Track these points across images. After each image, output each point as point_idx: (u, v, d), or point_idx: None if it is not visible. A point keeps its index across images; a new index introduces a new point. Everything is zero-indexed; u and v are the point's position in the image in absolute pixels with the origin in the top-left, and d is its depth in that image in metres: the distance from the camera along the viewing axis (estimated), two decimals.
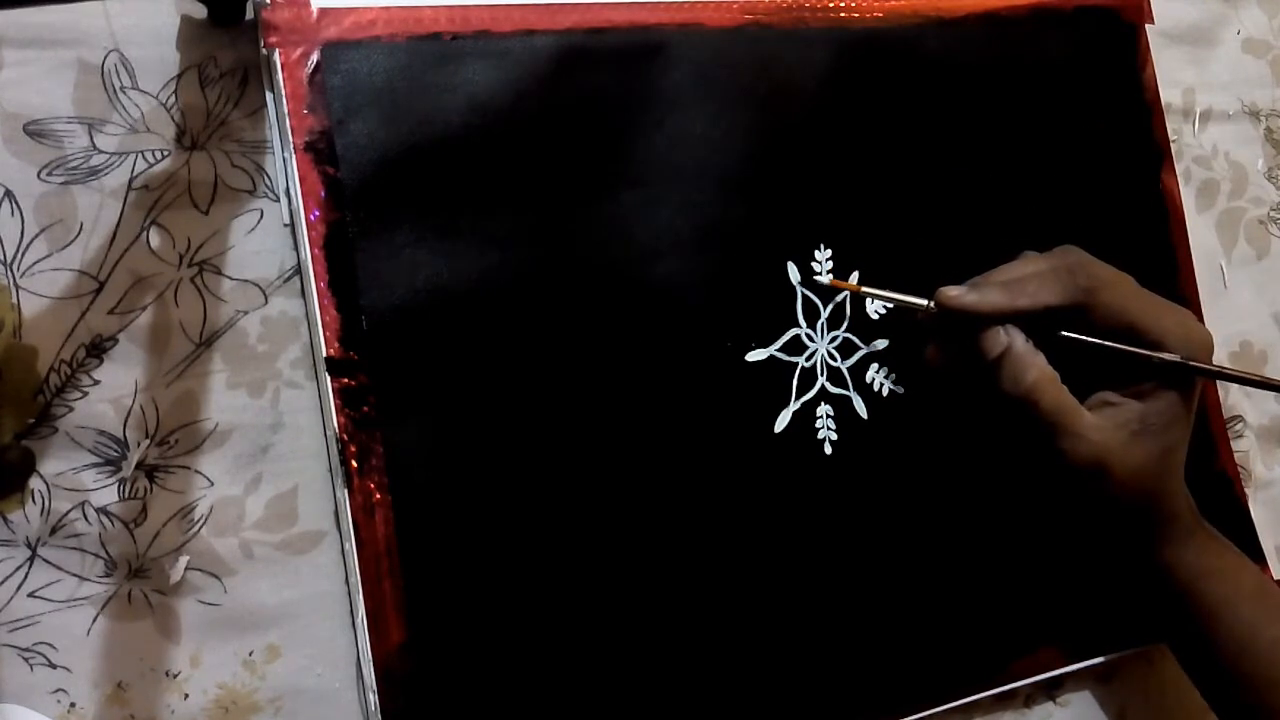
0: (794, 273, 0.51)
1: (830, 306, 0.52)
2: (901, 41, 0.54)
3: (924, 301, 0.50)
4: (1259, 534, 0.61)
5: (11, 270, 0.42)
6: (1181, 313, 0.50)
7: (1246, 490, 0.63)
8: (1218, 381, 0.61)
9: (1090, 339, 0.49)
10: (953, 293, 0.49)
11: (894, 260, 0.52)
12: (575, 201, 0.47)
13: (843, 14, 0.53)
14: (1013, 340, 0.48)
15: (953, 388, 0.51)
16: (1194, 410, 0.50)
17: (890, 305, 0.52)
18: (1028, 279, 0.49)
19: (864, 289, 0.51)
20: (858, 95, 0.53)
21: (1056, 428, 0.47)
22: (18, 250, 0.42)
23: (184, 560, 0.43)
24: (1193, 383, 0.49)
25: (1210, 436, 0.61)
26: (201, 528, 0.43)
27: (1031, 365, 0.48)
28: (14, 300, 0.41)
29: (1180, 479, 0.51)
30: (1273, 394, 0.65)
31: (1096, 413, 0.48)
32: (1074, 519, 0.52)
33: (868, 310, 0.52)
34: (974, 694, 0.53)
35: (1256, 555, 0.61)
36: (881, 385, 0.53)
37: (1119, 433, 0.48)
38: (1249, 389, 0.65)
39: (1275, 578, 0.61)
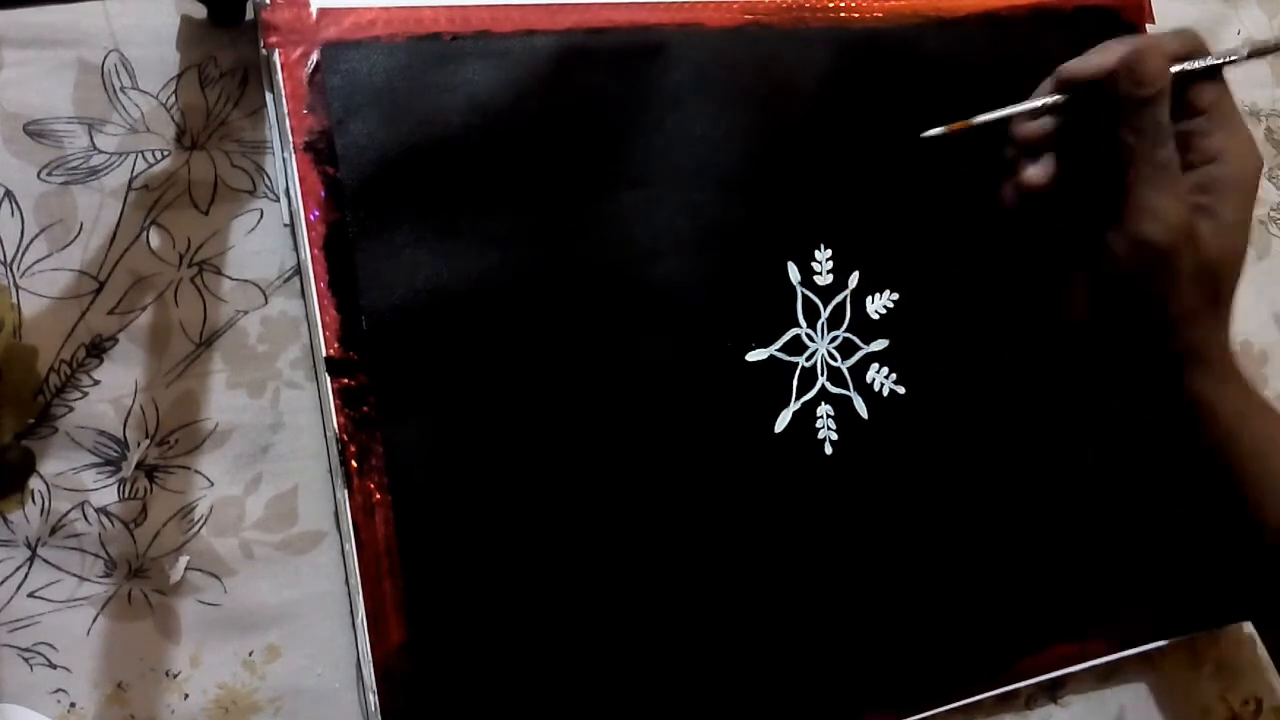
0: (794, 273, 0.51)
1: (830, 307, 0.52)
2: (901, 41, 0.54)
3: (1050, 99, 0.50)
4: None
5: (11, 270, 0.42)
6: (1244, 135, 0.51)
7: None
8: None
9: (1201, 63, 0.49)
10: (1074, 63, 0.50)
11: (894, 260, 0.52)
12: (575, 201, 0.47)
13: (843, 14, 0.52)
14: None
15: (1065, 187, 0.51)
16: (1248, 227, 0.50)
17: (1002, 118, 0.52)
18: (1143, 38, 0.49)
19: (976, 120, 0.51)
20: (858, 95, 0.53)
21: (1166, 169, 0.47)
22: (18, 250, 0.42)
23: (184, 560, 0.43)
24: (1251, 191, 0.50)
25: None
26: (201, 528, 0.44)
27: (1168, 95, 0.47)
28: (14, 300, 0.42)
29: (1228, 317, 0.51)
30: (1272, 394, 0.65)
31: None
32: (1138, 294, 0.50)
33: (868, 310, 0.52)
34: (977, 694, 0.53)
35: None
36: (882, 385, 0.52)
37: (1188, 201, 0.48)
38: None
39: None
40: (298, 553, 0.45)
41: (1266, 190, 0.67)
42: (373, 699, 0.43)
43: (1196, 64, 0.49)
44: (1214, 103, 0.49)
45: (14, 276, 0.42)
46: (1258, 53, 0.50)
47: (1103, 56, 0.49)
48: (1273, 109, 0.68)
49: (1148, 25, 0.61)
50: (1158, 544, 0.57)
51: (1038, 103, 0.51)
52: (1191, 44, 0.49)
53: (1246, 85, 0.67)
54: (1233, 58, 0.49)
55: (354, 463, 0.43)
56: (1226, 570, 0.55)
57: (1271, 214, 0.67)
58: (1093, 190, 0.49)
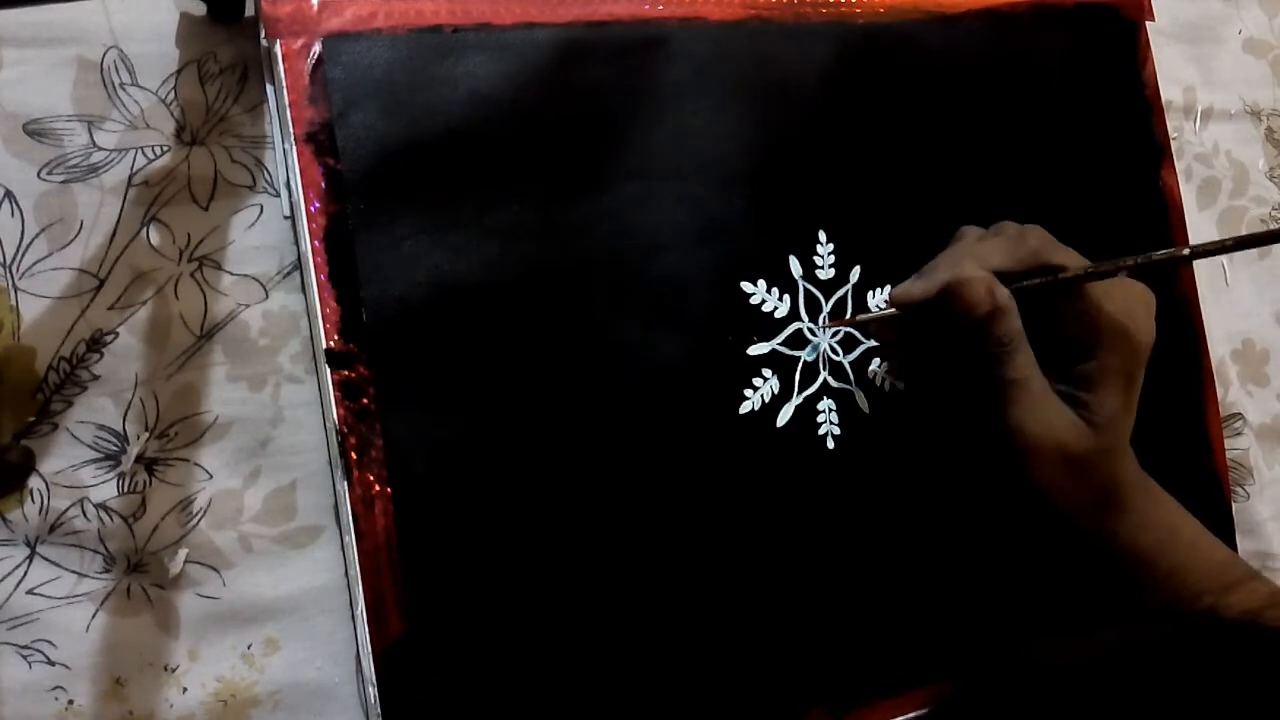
0: (796, 266, 0.51)
1: (832, 301, 0.51)
2: (902, 37, 0.54)
3: (891, 310, 0.49)
4: (1265, 534, 0.61)
5: (11, 272, 0.41)
6: (1130, 297, 0.48)
7: (1249, 489, 0.62)
8: (1215, 380, 0.61)
9: (1046, 280, 0.47)
10: (902, 287, 0.48)
11: (894, 254, 0.52)
12: (576, 195, 0.47)
13: (843, 9, 0.53)
14: (995, 293, 0.46)
15: (925, 389, 0.51)
16: (1135, 403, 0.48)
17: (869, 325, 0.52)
18: (972, 250, 0.48)
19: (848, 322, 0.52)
20: (859, 90, 0.53)
21: (1018, 385, 0.46)
22: (18, 251, 0.42)
23: (183, 553, 0.43)
24: (1135, 373, 0.47)
25: (1206, 435, 0.60)
26: (200, 520, 0.43)
27: (1010, 311, 0.46)
28: (13, 302, 0.41)
29: (1124, 463, 0.48)
30: (1273, 393, 0.65)
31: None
32: (1010, 495, 0.49)
33: (870, 305, 0.52)
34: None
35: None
36: (883, 380, 0.52)
37: (1065, 415, 0.47)
38: (1251, 387, 0.64)
39: None
40: (296, 546, 0.45)
41: (1267, 189, 0.67)
42: (372, 692, 0.42)
43: (1035, 280, 0.47)
44: (1078, 307, 0.47)
45: (13, 278, 0.42)
46: (1096, 275, 0.46)
47: (927, 282, 0.47)
48: (1273, 109, 0.68)
49: (1148, 23, 0.61)
50: None
51: (873, 315, 0.51)
52: (1032, 253, 0.47)
53: (1247, 84, 0.67)
54: (1072, 273, 0.46)
55: (354, 454, 0.43)
56: None
57: (1273, 213, 0.67)
58: (949, 398, 0.49)
